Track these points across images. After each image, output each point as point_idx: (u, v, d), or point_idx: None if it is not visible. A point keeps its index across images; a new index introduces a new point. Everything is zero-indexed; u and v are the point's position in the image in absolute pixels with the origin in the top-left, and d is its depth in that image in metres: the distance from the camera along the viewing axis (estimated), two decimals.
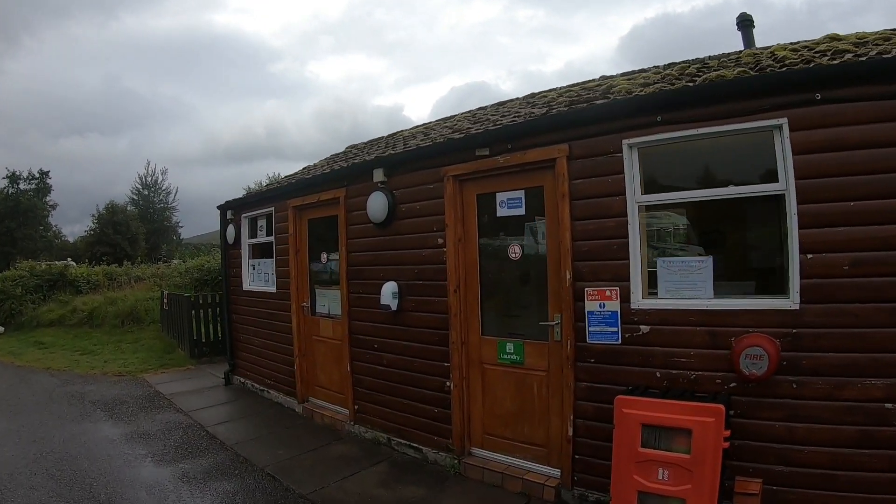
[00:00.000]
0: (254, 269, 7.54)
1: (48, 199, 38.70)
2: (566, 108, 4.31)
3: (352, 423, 5.59)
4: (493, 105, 7.40)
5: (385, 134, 8.77)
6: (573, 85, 6.43)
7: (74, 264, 19.32)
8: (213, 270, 14.46)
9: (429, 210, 4.73)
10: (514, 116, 4.99)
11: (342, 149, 9.66)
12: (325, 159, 8.92)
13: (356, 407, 5.54)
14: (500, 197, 4.34)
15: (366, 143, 9.00)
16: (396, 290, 4.99)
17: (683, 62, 5.30)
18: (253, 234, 7.57)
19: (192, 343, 9.83)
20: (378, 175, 5.12)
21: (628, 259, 3.56)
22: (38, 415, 6.45)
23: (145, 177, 44.70)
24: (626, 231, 3.55)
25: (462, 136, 4.76)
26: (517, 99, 7.09)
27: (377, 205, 5.08)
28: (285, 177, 8.43)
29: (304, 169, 8.71)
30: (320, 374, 6.23)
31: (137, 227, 36.70)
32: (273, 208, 6.82)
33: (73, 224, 71.19)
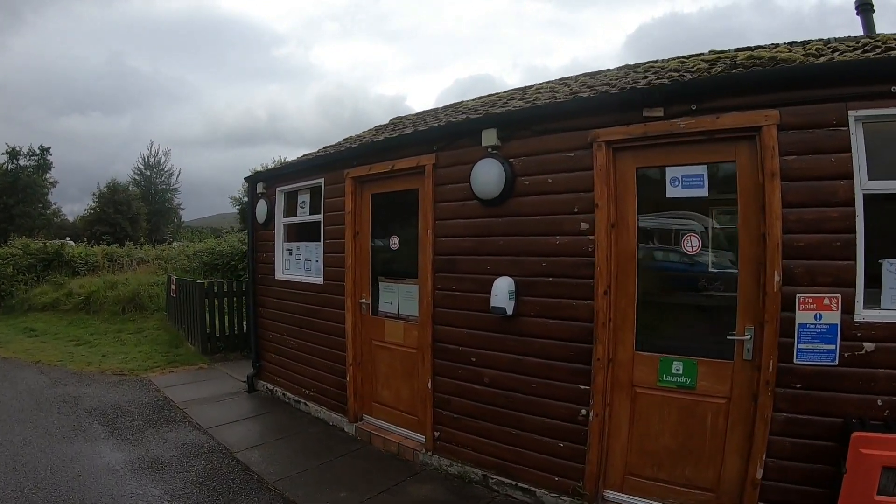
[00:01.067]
0: (290, 254, 6.20)
1: (48, 175, 37.22)
2: (743, 70, 3.21)
3: (429, 452, 4.35)
4: (581, 74, 6.06)
5: (433, 107, 7.42)
6: (688, 56, 5.12)
7: (73, 243, 17.92)
8: (225, 255, 13.21)
9: (566, 185, 3.58)
10: (634, 82, 3.77)
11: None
12: (371, 129, 7.58)
13: (437, 433, 4.31)
14: (672, 172, 3.29)
15: (416, 115, 7.67)
16: (514, 288, 3.75)
17: (806, 41, 4.34)
18: (291, 212, 6.23)
19: (204, 337, 8.51)
20: (489, 137, 3.88)
21: (854, 260, 2.80)
22: (22, 428, 5.13)
23: (148, 157, 43.77)
24: (854, 224, 2.80)
25: (622, 90, 3.53)
26: (611, 70, 5.73)
27: (489, 176, 3.83)
28: (335, 143, 7.04)
29: (346, 139, 7.36)
30: (382, 389, 4.94)
31: (139, 207, 35.36)
32: (322, 180, 5.48)
33: (72, 203, 70.21)
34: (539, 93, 5.30)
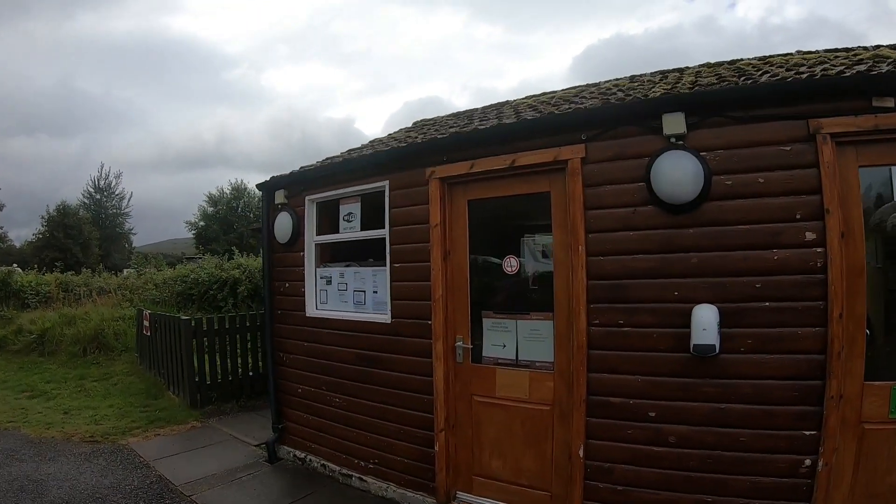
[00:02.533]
0: (328, 283, 4.80)
1: None
2: None
3: None
4: (656, 72, 5.05)
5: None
6: (806, 52, 4.40)
7: (20, 270, 15.69)
8: (202, 283, 11.63)
9: (783, 186, 2.84)
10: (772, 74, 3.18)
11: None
12: (401, 131, 6.30)
13: None
14: None
15: (453, 115, 6.45)
16: (718, 318, 2.87)
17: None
18: (327, 228, 4.86)
19: (192, 386, 6.89)
20: (674, 124, 2.99)
21: None
22: None
23: (98, 179, 41.17)
24: None
25: (844, 74, 2.85)
26: (691, 67, 4.73)
27: (682, 174, 2.91)
28: (377, 138, 5.69)
29: (373, 141, 6.05)
30: (491, 459, 3.70)
31: (90, 231, 32.72)
32: (386, 183, 4.16)
33: (19, 227, 65.51)
34: (619, 86, 4.30)
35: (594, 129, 3.24)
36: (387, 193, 4.15)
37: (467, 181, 3.76)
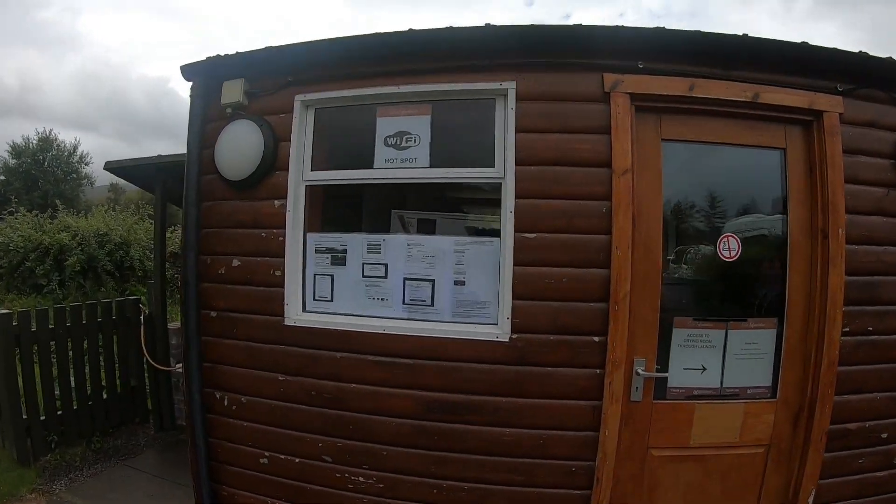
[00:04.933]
0: (335, 262, 2.74)
1: None
2: None
3: None
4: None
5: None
6: None
7: None
8: (14, 251, 8.72)
9: None
10: None
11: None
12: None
13: None
14: None
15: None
16: None
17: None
18: (339, 159, 2.81)
19: (19, 426, 3.92)
20: None
21: None
22: None
23: None
24: None
25: None
26: None
27: None
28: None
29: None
30: None
31: None
32: (512, 85, 2.37)
33: None
34: None
35: (850, 81, 2.51)
36: (508, 104, 2.35)
37: (665, 111, 2.42)
